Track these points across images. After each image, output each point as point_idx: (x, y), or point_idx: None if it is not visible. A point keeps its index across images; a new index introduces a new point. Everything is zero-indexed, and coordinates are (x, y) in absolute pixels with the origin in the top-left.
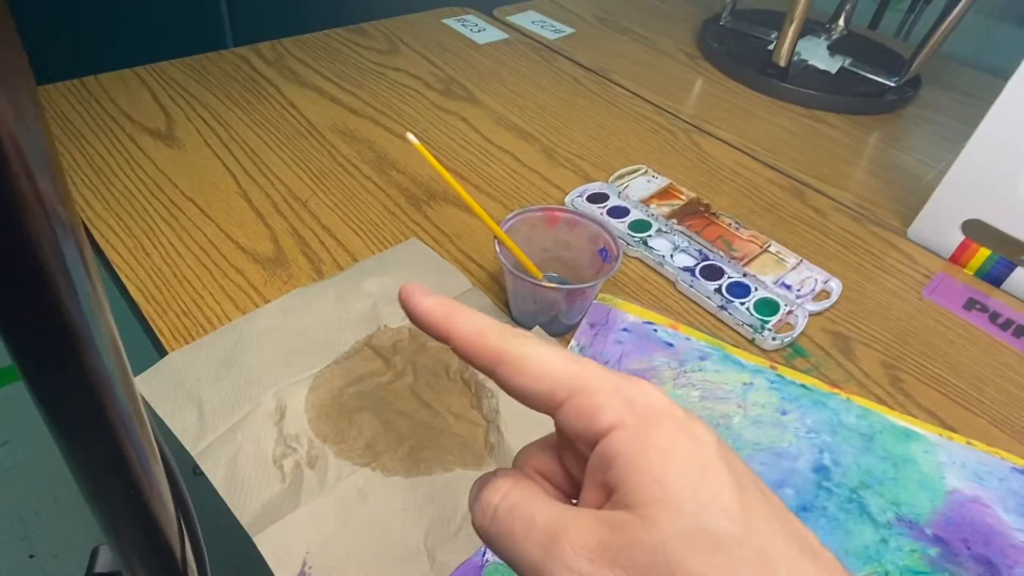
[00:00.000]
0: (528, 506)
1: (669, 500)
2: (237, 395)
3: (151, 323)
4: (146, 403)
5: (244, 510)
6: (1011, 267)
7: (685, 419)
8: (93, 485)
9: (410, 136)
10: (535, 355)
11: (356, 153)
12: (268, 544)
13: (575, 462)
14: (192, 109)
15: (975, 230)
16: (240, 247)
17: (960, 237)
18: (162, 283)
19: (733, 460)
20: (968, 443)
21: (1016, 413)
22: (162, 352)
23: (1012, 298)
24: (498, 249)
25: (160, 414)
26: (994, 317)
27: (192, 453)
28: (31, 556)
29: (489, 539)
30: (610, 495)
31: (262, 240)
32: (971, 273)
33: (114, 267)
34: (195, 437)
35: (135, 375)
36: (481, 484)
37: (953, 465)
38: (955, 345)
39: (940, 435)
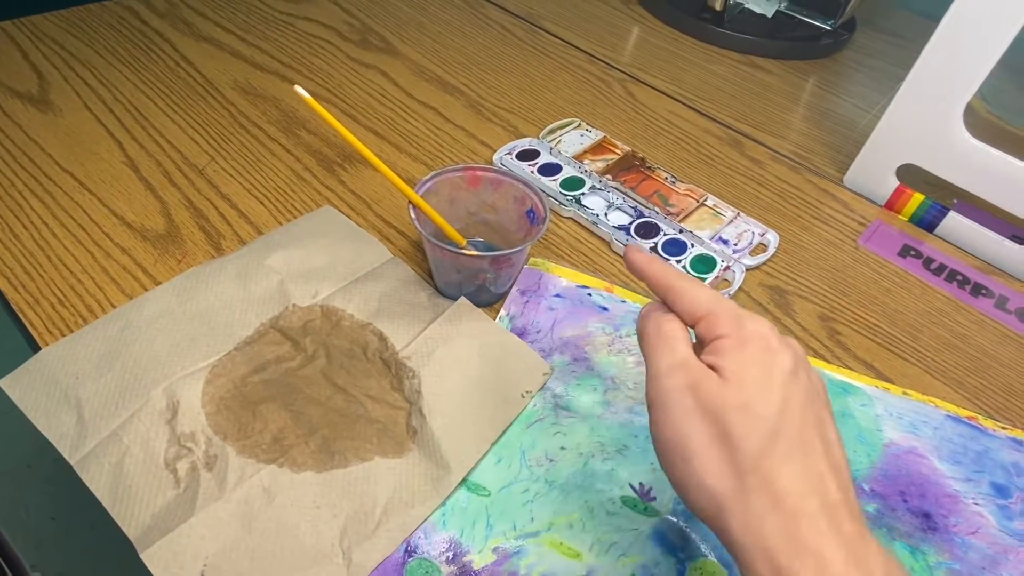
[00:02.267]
0: (678, 340)
1: (739, 382)
2: (122, 392)
3: (20, 315)
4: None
5: (132, 523)
6: (944, 212)
7: (775, 345)
8: None
9: (298, 89)
10: (692, 287)
11: (261, 113)
12: (158, 560)
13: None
14: (70, 68)
15: (909, 175)
16: (126, 223)
17: (895, 183)
18: (33, 268)
19: (798, 382)
20: (904, 393)
21: (950, 359)
22: (35, 348)
23: (945, 243)
24: (413, 215)
25: (32, 419)
26: (928, 263)
27: (71, 462)
28: None
29: (646, 343)
30: (713, 364)
31: (152, 214)
32: (906, 219)
33: None
34: (74, 444)
35: (3, 375)
36: (659, 309)
37: (890, 417)
38: (891, 293)
39: (877, 387)
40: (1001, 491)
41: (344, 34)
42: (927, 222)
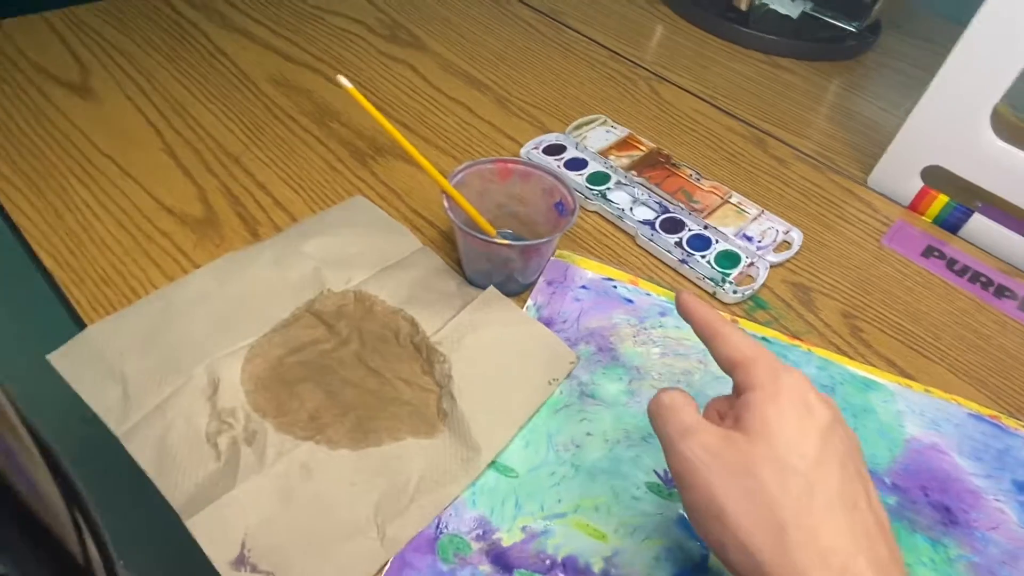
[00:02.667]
0: (682, 410)
1: (769, 435)
2: (165, 369)
3: (67, 292)
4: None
5: (176, 492)
6: (968, 214)
7: (812, 401)
8: None
9: (342, 79)
10: (736, 335)
11: (294, 104)
12: (202, 527)
13: None
14: (109, 58)
15: (934, 177)
16: (166, 208)
17: (919, 184)
18: (78, 249)
19: (832, 436)
20: (926, 390)
21: (972, 359)
22: (81, 325)
23: (969, 245)
24: (447, 205)
25: (79, 392)
26: (951, 264)
27: (117, 434)
28: None
29: (653, 419)
30: (737, 424)
31: (190, 200)
32: (930, 221)
33: (22, 231)
34: (119, 417)
35: (51, 351)
36: (661, 391)
37: (911, 413)
38: (914, 293)
39: (899, 383)
40: (1022, 488)
41: (373, 28)
42: (951, 224)
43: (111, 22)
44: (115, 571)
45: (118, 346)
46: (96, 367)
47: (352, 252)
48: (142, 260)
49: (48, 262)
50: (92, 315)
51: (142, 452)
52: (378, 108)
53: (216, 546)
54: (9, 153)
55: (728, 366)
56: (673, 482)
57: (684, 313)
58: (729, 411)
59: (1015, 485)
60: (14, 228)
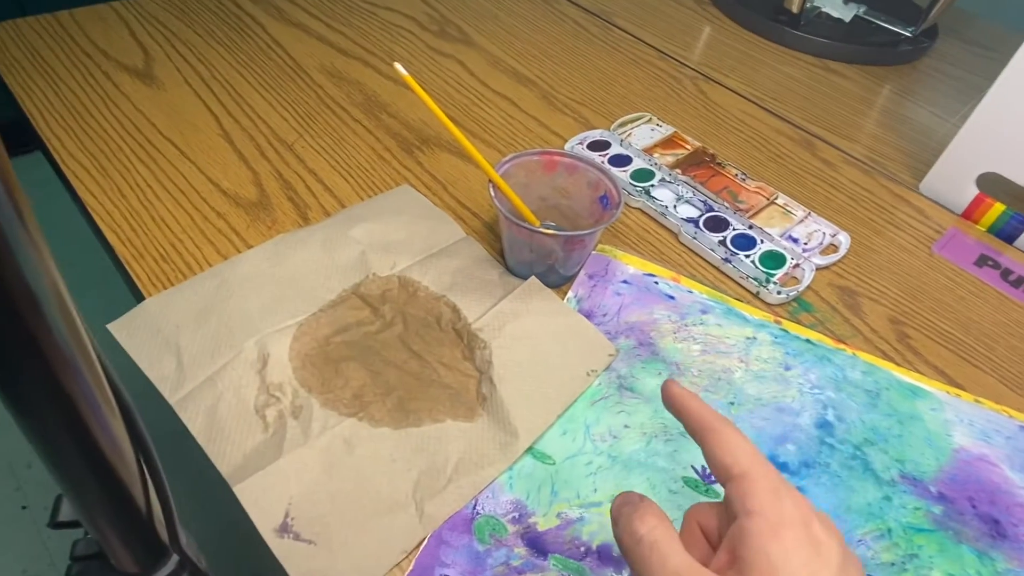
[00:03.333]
0: (666, 547)
1: None
2: (218, 343)
3: (127, 267)
4: (119, 350)
5: (224, 460)
6: None
7: (819, 534)
8: (35, 429)
9: (398, 66)
10: (733, 436)
11: (345, 95)
12: (249, 494)
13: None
14: (172, 47)
15: (990, 184)
16: (222, 190)
17: (974, 191)
18: (139, 226)
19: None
20: (976, 401)
21: None
22: (139, 298)
23: None
24: (493, 194)
25: (137, 361)
26: (1006, 274)
27: (170, 402)
28: (23, 507)
29: (628, 556)
30: (733, 563)
31: (245, 183)
32: (983, 229)
33: (88, 208)
34: (173, 386)
35: (111, 321)
36: (629, 508)
37: (960, 423)
38: (965, 302)
39: (947, 392)
40: None
41: (423, 24)
42: (1006, 233)
43: (175, 12)
44: (174, 523)
45: (174, 319)
46: (153, 338)
47: (398, 238)
48: (198, 238)
49: (111, 238)
50: (151, 289)
51: (194, 421)
52: (421, 89)
53: (262, 512)
54: (78, 135)
55: (721, 475)
56: (712, 477)
57: (671, 404)
58: (717, 531)
59: None
60: (81, 205)
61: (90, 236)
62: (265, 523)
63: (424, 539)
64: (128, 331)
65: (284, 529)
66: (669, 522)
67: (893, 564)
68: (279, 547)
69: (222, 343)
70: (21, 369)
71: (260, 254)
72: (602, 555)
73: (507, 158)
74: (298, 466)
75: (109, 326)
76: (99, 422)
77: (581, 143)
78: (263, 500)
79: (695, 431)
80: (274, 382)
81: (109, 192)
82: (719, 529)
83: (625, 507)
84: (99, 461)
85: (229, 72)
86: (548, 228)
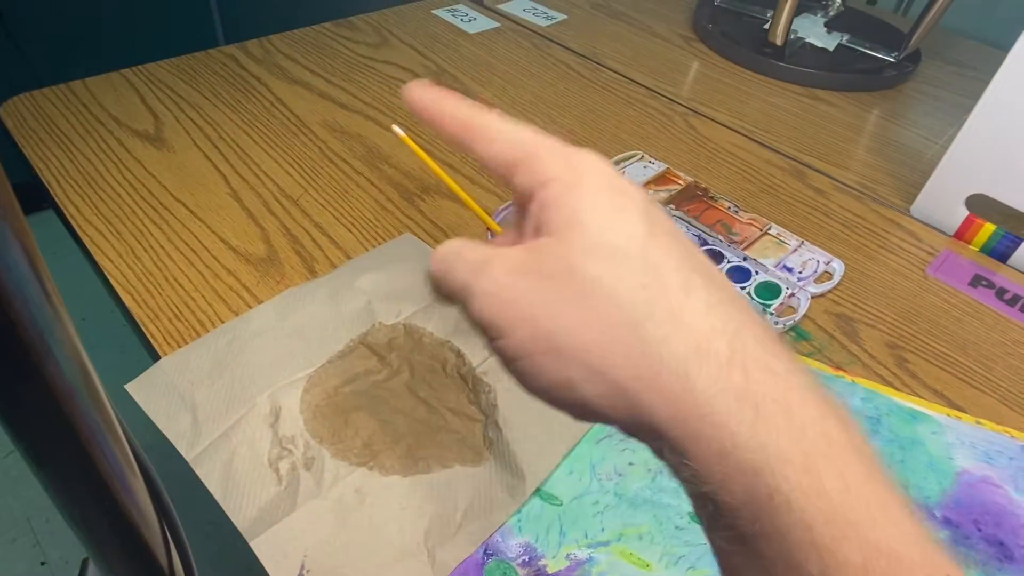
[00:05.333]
0: (467, 248)
1: (582, 224)
2: (231, 398)
3: (143, 327)
4: (126, 412)
5: (240, 515)
6: (1017, 242)
7: (617, 178)
8: (64, 498)
9: (396, 128)
10: (500, 125)
11: (347, 148)
12: (265, 548)
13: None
14: (180, 110)
15: (980, 205)
16: (231, 248)
17: (964, 213)
18: (153, 287)
19: (654, 212)
20: (977, 422)
21: None
22: (155, 357)
23: (1019, 273)
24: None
25: (154, 420)
26: (1001, 293)
27: (187, 459)
28: (42, 563)
29: (437, 282)
30: (539, 232)
31: (254, 240)
32: (976, 249)
33: (104, 272)
34: (190, 442)
35: (129, 381)
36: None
37: (962, 445)
38: (961, 323)
39: (948, 415)
40: None
41: (420, 75)
42: (999, 252)
43: (182, 77)
44: None
45: (189, 377)
46: (169, 396)
47: (401, 287)
48: (210, 296)
49: (127, 300)
50: (166, 348)
51: (210, 476)
52: (425, 149)
53: (278, 566)
54: (92, 199)
55: (504, 170)
56: None
57: (419, 109)
58: (522, 226)
59: None
60: (97, 269)
61: (104, 294)
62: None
63: None
64: (146, 390)
65: None
66: (475, 241)
67: None
68: None
69: (236, 398)
70: (49, 438)
71: (269, 309)
72: None
73: (504, 206)
74: (312, 518)
75: (127, 386)
76: (123, 486)
77: None
78: (279, 553)
79: (457, 136)
80: (286, 435)
81: (124, 255)
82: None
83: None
84: (124, 525)
85: (235, 132)
86: None
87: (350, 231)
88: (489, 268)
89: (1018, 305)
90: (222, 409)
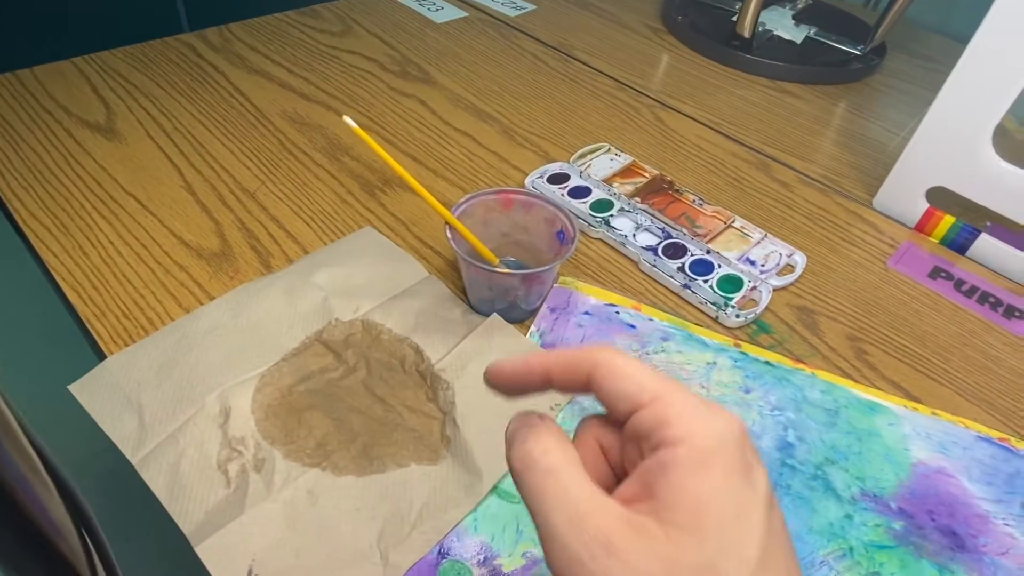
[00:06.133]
0: (566, 474)
1: (698, 530)
2: (179, 398)
3: (89, 326)
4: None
5: (187, 519)
6: (975, 234)
7: (750, 459)
8: None
9: (347, 119)
10: (626, 362)
11: (307, 140)
12: (211, 553)
13: (632, 455)
14: (134, 100)
15: (939, 198)
16: (184, 243)
17: (925, 205)
18: (101, 283)
19: (775, 517)
20: (933, 413)
21: (981, 381)
22: (102, 356)
23: (977, 265)
24: (449, 235)
25: (98, 422)
26: (959, 285)
27: (132, 462)
28: None
29: (519, 483)
30: (648, 498)
31: (207, 234)
32: (936, 241)
33: (49, 268)
34: (135, 445)
35: (72, 382)
36: (526, 427)
37: (918, 437)
38: (920, 315)
39: (905, 407)
40: None
41: (385, 65)
42: (958, 244)
43: (136, 66)
44: None
45: (135, 377)
46: (114, 397)
47: (360, 282)
48: (160, 293)
49: (73, 298)
50: (112, 347)
51: (156, 479)
52: (389, 141)
53: (224, 572)
54: (39, 194)
55: (626, 406)
56: None
57: (517, 374)
58: (619, 450)
59: None
60: (42, 265)
61: (49, 291)
62: None
63: None
64: (89, 391)
65: None
66: (571, 445)
67: None
68: None
69: (184, 399)
70: None
71: (222, 306)
72: None
73: (464, 198)
74: (261, 521)
75: (70, 387)
76: (28, 495)
77: (541, 177)
78: (225, 558)
79: (578, 379)
80: (236, 436)
81: (71, 250)
82: (621, 449)
83: (520, 429)
84: (31, 535)
85: (191, 123)
86: (507, 266)
87: (308, 225)
88: (585, 525)
89: (975, 296)
90: (169, 410)
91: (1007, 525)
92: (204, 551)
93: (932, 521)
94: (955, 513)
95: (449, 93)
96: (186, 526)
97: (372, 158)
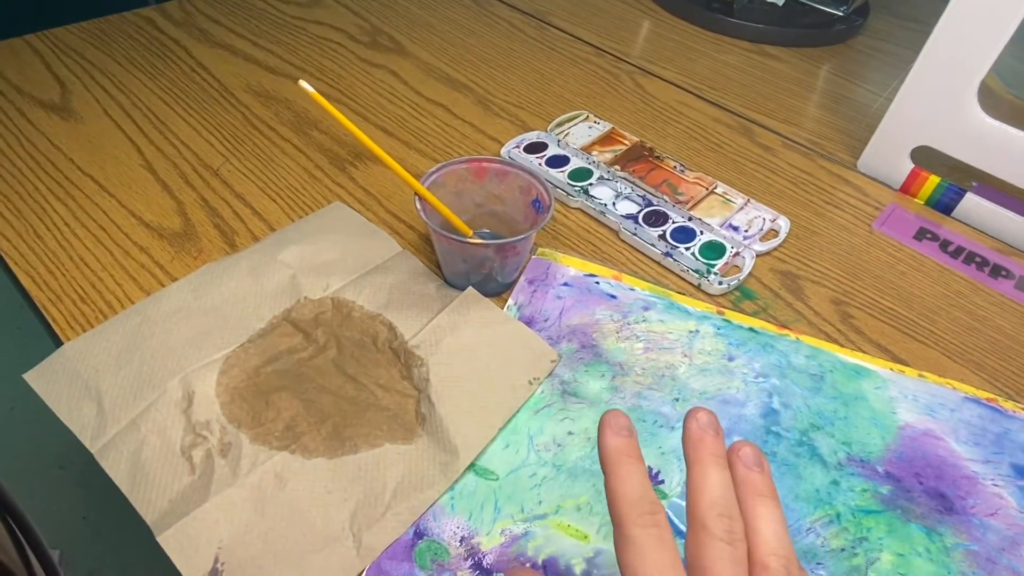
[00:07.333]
0: None
1: None
2: (140, 384)
3: (44, 311)
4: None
5: (149, 507)
6: (961, 194)
7: None
8: None
9: (303, 83)
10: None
11: (273, 114)
12: (174, 543)
13: None
14: (90, 77)
15: (924, 158)
16: (144, 223)
17: (910, 166)
18: (56, 267)
19: None
20: (920, 376)
21: (968, 341)
22: (59, 343)
23: (963, 225)
24: (419, 206)
25: (55, 411)
26: (945, 245)
27: (92, 451)
28: None
29: None
30: None
31: (169, 214)
32: (922, 203)
33: (1, 253)
34: (94, 434)
35: (28, 370)
36: None
37: (905, 399)
38: (906, 277)
39: (891, 370)
40: (1021, 472)
41: (354, 36)
42: (944, 204)
43: (93, 42)
44: None
45: (93, 363)
46: (71, 385)
47: (330, 258)
48: (119, 275)
49: (27, 283)
50: (69, 333)
51: (116, 468)
52: (359, 114)
53: (188, 561)
54: None
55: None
56: (657, 478)
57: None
58: None
59: (1014, 469)
60: None
61: (5, 281)
62: (192, 572)
63: (363, 572)
64: (45, 379)
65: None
66: None
67: (843, 549)
68: None
69: (145, 384)
70: None
71: (184, 287)
72: (548, 569)
73: (434, 168)
74: (227, 507)
75: (26, 376)
76: None
77: (518, 146)
78: (189, 548)
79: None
80: (200, 420)
81: (24, 234)
82: None
83: None
84: None
85: (151, 99)
86: (482, 237)
87: (275, 201)
88: None
89: (961, 257)
90: (130, 396)
91: (996, 486)
92: (167, 540)
93: (920, 484)
94: (943, 475)
95: (421, 63)
96: (149, 515)
97: (342, 131)
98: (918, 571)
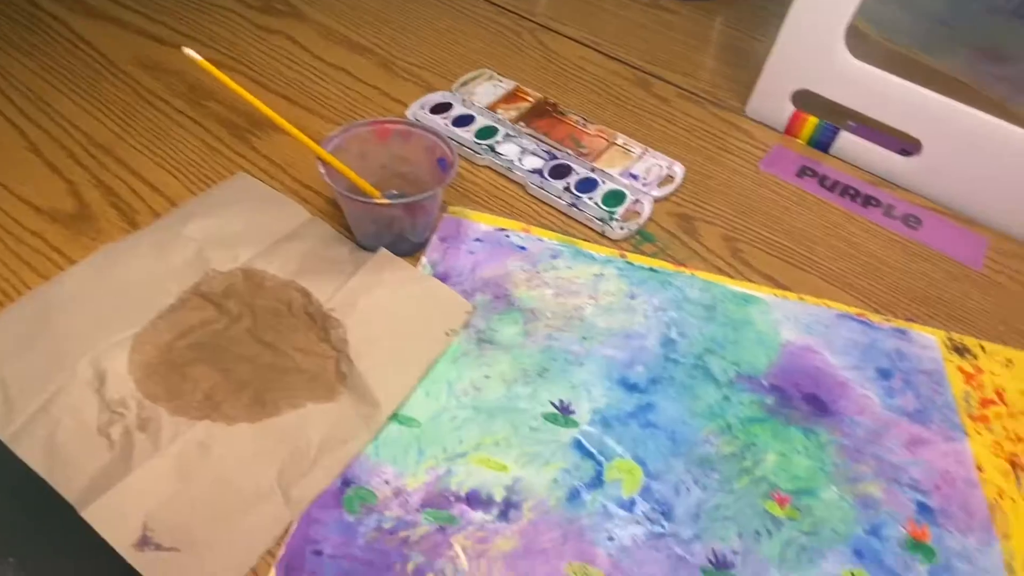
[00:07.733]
0: None
1: None
2: (47, 368)
3: None
4: None
5: (69, 487)
6: (836, 132)
7: None
8: None
9: (187, 51)
10: None
11: (165, 87)
12: (99, 515)
13: None
14: None
15: (804, 100)
16: (34, 207)
17: (791, 109)
18: None
19: None
20: (800, 298)
21: (843, 266)
22: None
23: (839, 161)
24: (323, 170)
25: None
26: (823, 181)
27: (2, 439)
28: None
29: None
30: None
31: (61, 196)
32: (803, 143)
33: None
34: (2, 422)
35: None
36: None
37: (787, 320)
38: (789, 211)
39: (775, 295)
40: (884, 374)
41: (247, 2)
42: (822, 143)
43: None
44: None
45: None
46: None
47: (236, 230)
48: (13, 262)
49: None
50: None
51: (31, 454)
52: (256, 82)
53: (116, 531)
54: None
55: None
56: (568, 409)
57: None
58: None
59: (878, 372)
60: None
61: None
62: (122, 540)
63: (293, 522)
64: None
65: (144, 543)
66: None
67: (734, 454)
68: (140, 560)
69: (52, 367)
70: None
71: (85, 269)
72: (471, 500)
73: (335, 132)
74: (151, 478)
75: None
76: None
77: (423, 107)
78: (116, 518)
79: None
80: (115, 398)
81: None
82: None
83: None
84: None
85: (31, 79)
86: (391, 199)
87: (174, 176)
88: None
89: (837, 190)
90: (37, 381)
91: (863, 388)
92: (91, 514)
93: (799, 392)
94: (819, 383)
95: (320, 27)
96: (70, 494)
97: (240, 101)
98: (797, 467)
